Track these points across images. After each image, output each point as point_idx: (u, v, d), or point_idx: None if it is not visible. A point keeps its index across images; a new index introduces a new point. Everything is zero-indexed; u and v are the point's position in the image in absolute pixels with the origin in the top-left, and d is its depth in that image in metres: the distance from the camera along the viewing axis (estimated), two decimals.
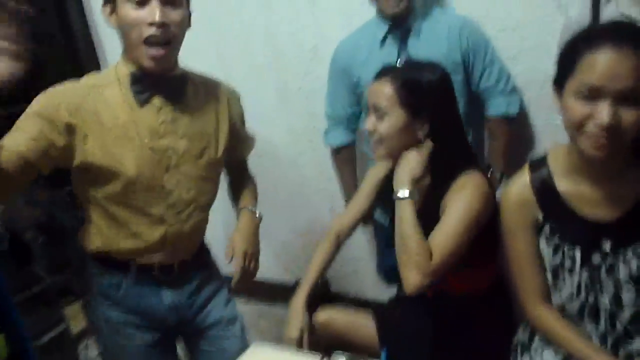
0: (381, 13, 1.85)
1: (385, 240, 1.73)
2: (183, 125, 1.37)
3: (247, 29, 2.28)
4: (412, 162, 1.37)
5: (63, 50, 2.47)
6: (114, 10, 1.28)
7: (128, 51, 1.30)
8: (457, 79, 1.82)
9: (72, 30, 2.43)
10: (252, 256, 1.52)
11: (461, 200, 1.33)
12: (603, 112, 1.03)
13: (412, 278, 1.27)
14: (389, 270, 2.03)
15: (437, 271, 1.28)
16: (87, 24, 2.47)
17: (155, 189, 1.36)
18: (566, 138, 1.16)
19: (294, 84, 2.30)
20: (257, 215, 1.60)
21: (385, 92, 1.37)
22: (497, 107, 1.89)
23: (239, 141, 1.58)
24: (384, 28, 1.86)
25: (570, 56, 1.10)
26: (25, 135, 1.20)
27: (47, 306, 2.08)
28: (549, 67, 1.84)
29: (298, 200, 2.52)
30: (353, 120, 2.04)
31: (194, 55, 2.29)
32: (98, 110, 1.29)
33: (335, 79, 2.00)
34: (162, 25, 1.24)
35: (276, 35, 2.24)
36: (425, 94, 1.37)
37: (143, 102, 1.32)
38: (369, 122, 1.41)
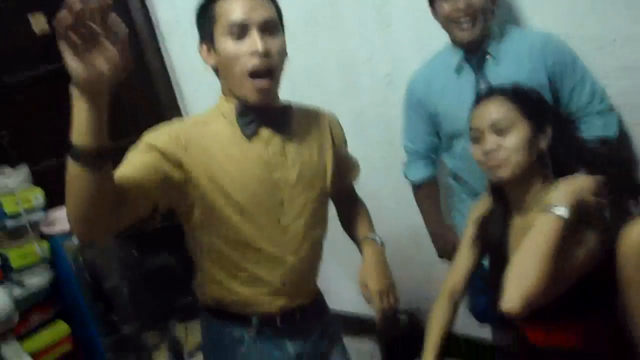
0: (455, 41, 1.76)
1: (482, 286, 1.58)
2: (292, 156, 1.31)
3: (320, 56, 2.24)
4: (584, 184, 1.22)
5: (143, 94, 2.54)
6: (211, 48, 1.25)
7: (231, 87, 1.26)
8: None
9: (151, 74, 2.50)
10: (388, 291, 1.39)
11: None
12: None
13: (518, 299, 1.11)
14: (481, 314, 1.93)
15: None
16: (165, 68, 2.53)
17: (271, 226, 1.29)
18: None
19: (370, 113, 2.23)
20: (380, 242, 1.49)
21: (504, 108, 1.29)
22: (591, 128, 1.72)
23: (344, 166, 1.51)
24: (458, 55, 1.77)
25: None
26: (139, 164, 1.13)
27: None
28: None
29: (380, 233, 2.42)
30: (433, 152, 1.95)
31: None
32: (207, 146, 1.25)
33: (411, 110, 1.92)
34: (265, 54, 1.20)
35: (350, 62, 2.19)
36: (544, 103, 1.33)
37: (251, 135, 1.27)
38: (488, 143, 1.29)
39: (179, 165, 1.20)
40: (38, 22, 2.51)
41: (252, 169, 1.26)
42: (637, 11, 1.69)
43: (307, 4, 2.18)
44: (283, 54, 1.26)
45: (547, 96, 1.69)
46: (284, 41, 1.26)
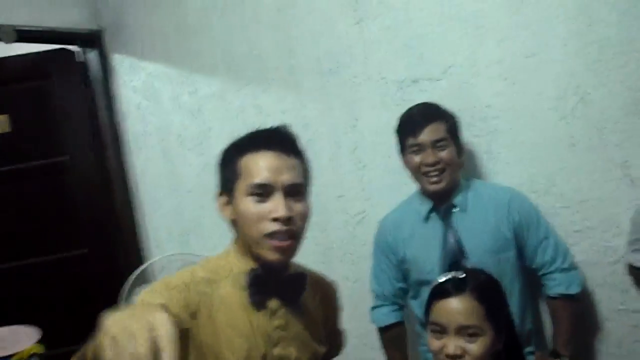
0: (423, 191, 1.81)
1: None
2: (295, 330, 1.21)
3: None
4: None
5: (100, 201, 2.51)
6: (230, 202, 1.19)
7: (248, 243, 1.17)
8: (508, 256, 1.75)
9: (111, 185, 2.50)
10: None
11: None
12: None
13: None
14: None
15: None
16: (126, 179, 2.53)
17: None
18: None
19: (338, 249, 2.22)
20: None
21: (474, 310, 1.23)
22: (555, 286, 1.76)
23: (333, 343, 1.38)
24: (427, 204, 1.81)
25: None
26: None
27: None
28: (619, 245, 1.81)
29: None
30: (400, 297, 1.92)
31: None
32: (214, 314, 1.15)
33: (381, 254, 1.92)
34: (287, 220, 1.12)
35: (322, 197, 2.21)
36: (503, 298, 1.30)
37: (259, 306, 1.17)
38: (451, 347, 1.23)
39: (185, 332, 1.10)
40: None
41: (256, 342, 1.17)
42: (607, 173, 1.79)
43: None
44: (306, 218, 1.19)
45: (512, 251, 1.75)
46: (309, 205, 1.21)
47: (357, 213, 2.17)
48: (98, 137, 2.56)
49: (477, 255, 1.72)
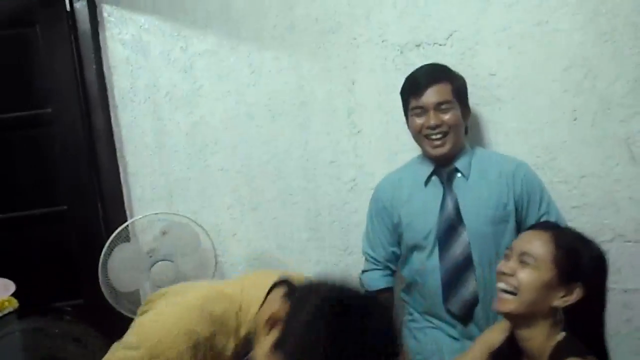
0: (426, 154, 1.77)
1: None
2: None
3: (283, 150, 2.19)
4: None
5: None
6: None
7: None
8: (507, 227, 1.70)
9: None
10: None
11: None
12: None
13: None
14: None
15: None
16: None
17: None
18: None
19: (328, 216, 2.16)
20: None
21: (543, 244, 1.27)
22: None
23: None
24: (429, 167, 1.76)
25: None
26: None
27: None
28: (616, 223, 1.77)
29: None
30: (393, 262, 1.87)
31: (220, 179, 2.29)
32: None
33: (376, 217, 1.87)
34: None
35: (314, 162, 2.15)
36: (582, 266, 1.27)
37: None
38: (507, 265, 1.29)
39: None
40: None
41: None
42: (609, 149, 1.75)
43: (277, 96, 2.15)
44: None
45: (512, 223, 1.70)
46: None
47: (349, 180, 2.11)
48: (84, 91, 2.46)
49: (475, 223, 1.68)
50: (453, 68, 1.78)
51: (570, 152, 1.81)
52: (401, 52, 1.98)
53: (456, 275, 1.70)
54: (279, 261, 2.19)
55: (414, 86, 1.72)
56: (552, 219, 1.71)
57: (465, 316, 1.71)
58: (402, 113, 1.80)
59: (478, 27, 1.87)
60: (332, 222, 2.16)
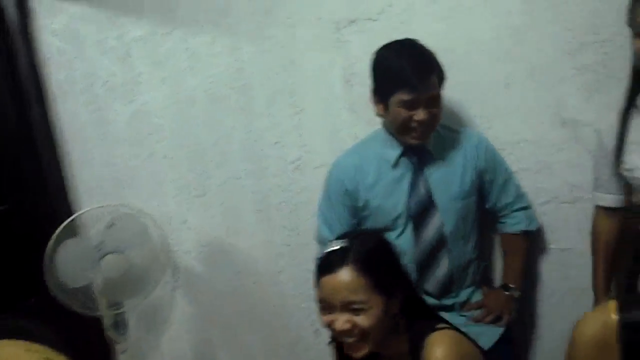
0: (403, 141, 1.70)
1: None
2: None
3: (225, 133, 2.18)
4: None
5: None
6: None
7: None
8: (472, 200, 1.76)
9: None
10: None
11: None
12: None
13: None
14: None
15: None
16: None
17: None
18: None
19: (275, 197, 2.17)
20: None
21: (359, 284, 1.23)
22: (517, 223, 1.81)
23: None
24: (397, 149, 1.72)
25: None
26: None
27: None
28: (551, 186, 1.83)
29: (279, 321, 2.31)
30: None
31: (166, 166, 2.27)
32: None
33: (336, 200, 1.80)
34: None
35: (257, 143, 2.15)
36: (392, 262, 1.31)
37: None
38: (339, 322, 1.23)
39: None
40: None
41: None
42: (540, 115, 1.80)
43: (217, 80, 2.13)
44: None
45: (475, 196, 1.76)
46: None
47: (293, 160, 2.11)
48: (18, 85, 2.39)
49: (445, 202, 1.71)
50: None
51: (504, 119, 1.85)
52: (337, 29, 1.97)
53: (431, 255, 1.73)
54: (230, 245, 2.19)
55: (403, 77, 1.58)
56: (513, 182, 1.80)
57: (441, 292, 1.76)
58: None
59: (410, 0, 1.88)
60: (280, 202, 2.17)
